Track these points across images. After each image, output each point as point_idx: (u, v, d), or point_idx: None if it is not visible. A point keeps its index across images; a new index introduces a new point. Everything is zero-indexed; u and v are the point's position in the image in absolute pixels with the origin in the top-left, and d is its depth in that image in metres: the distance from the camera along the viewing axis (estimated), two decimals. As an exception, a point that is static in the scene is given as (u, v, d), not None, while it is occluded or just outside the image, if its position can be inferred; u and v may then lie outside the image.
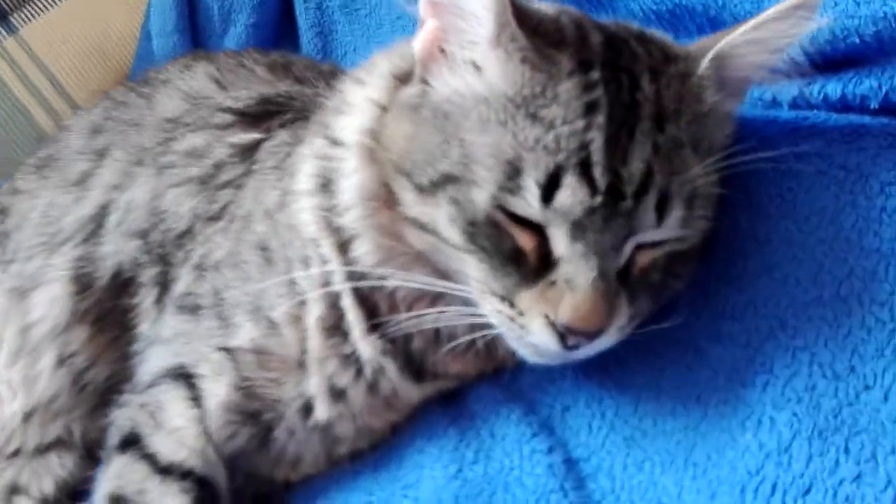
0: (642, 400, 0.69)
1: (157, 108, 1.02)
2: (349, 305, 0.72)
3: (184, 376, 0.78)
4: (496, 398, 0.75)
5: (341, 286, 0.72)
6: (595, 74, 0.62)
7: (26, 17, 1.53)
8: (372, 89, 0.73)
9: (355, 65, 0.83)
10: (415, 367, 0.75)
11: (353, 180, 0.70)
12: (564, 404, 0.73)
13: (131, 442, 0.78)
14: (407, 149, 0.66)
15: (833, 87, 0.76)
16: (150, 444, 0.77)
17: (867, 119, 0.73)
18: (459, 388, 0.79)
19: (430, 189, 0.65)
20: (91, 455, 0.93)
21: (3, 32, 1.49)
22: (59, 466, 0.94)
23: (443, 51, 0.67)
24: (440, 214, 0.64)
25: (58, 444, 0.96)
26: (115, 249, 0.92)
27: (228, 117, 0.96)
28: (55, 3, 1.54)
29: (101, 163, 1.00)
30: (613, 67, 0.64)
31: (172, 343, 0.81)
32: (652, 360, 0.70)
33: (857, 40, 0.72)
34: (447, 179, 0.64)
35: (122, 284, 0.92)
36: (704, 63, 0.66)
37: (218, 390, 0.76)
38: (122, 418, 0.81)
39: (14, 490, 0.94)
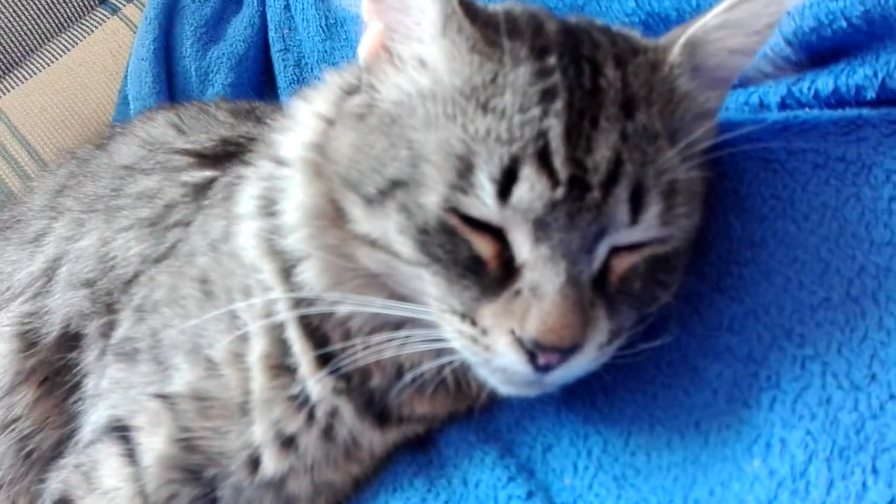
0: (633, 432, 0.60)
1: (114, 157, 0.98)
2: (295, 337, 0.64)
3: (119, 430, 0.70)
4: (469, 441, 0.66)
5: (285, 315, 0.64)
6: (551, 60, 0.56)
7: (4, 88, 1.51)
8: (318, 104, 0.67)
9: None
10: (376, 410, 0.66)
11: (297, 198, 0.63)
12: (546, 443, 0.63)
13: (61, 507, 0.69)
14: (353, 159, 0.60)
15: (824, 81, 0.70)
16: (79, 510, 0.68)
17: (864, 111, 0.67)
18: (429, 433, 0.69)
19: (379, 199, 0.58)
20: (37, 530, 0.83)
21: (-21, 105, 1.47)
22: None
23: (388, 52, 0.62)
24: (390, 226, 0.57)
25: None
26: (63, 301, 0.85)
27: (186, 159, 0.91)
28: (34, 73, 1.53)
29: (57, 217, 0.95)
30: (573, 56, 0.58)
31: (111, 395, 0.73)
32: (642, 387, 0.61)
33: (845, 24, 0.66)
34: (395, 185, 0.57)
35: (70, 340, 0.84)
36: (675, 50, 0.60)
37: (155, 444, 0.67)
38: (56, 481, 0.73)
39: None
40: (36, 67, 1.54)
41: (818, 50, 0.70)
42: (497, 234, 0.55)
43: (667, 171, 0.55)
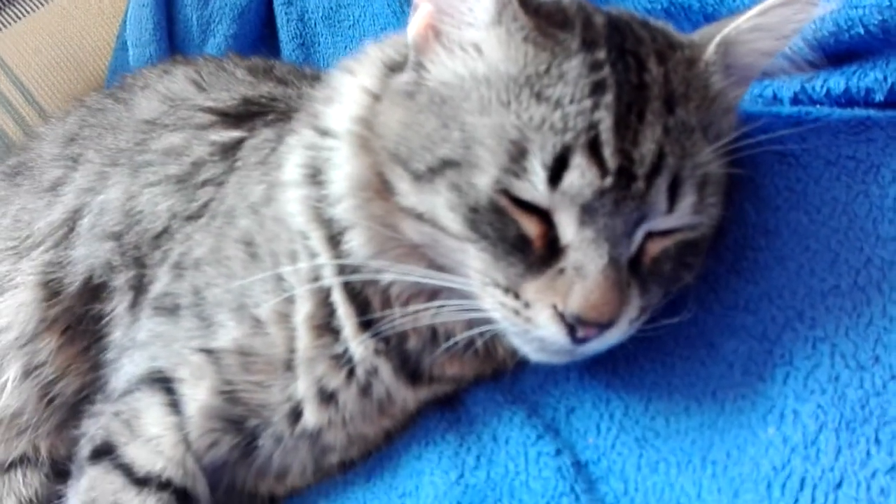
0: (653, 398, 0.65)
1: (134, 111, 0.98)
2: (340, 301, 0.68)
3: (161, 381, 0.73)
4: (496, 401, 0.71)
5: (332, 280, 0.68)
6: (601, 54, 0.60)
7: (-3, 26, 1.49)
8: (363, 78, 0.70)
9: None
10: (410, 369, 0.71)
11: (345, 169, 0.66)
12: (569, 406, 0.69)
13: (104, 452, 0.73)
14: (402, 135, 0.63)
15: (836, 81, 0.75)
16: (124, 454, 0.71)
17: (872, 112, 0.72)
18: (456, 392, 0.74)
19: (428, 176, 0.61)
20: (58, 473, 0.87)
21: (-28, 44, 1.44)
22: (24, 485, 0.88)
23: (438, 34, 0.64)
24: (439, 202, 0.61)
25: (23, 461, 0.89)
26: (87, 253, 0.87)
27: (209, 117, 0.92)
28: (26, 12, 1.50)
29: (76, 167, 0.96)
30: (619, 50, 0.61)
31: (149, 346, 0.76)
32: (662, 357, 0.67)
33: (862, 31, 0.71)
34: (446, 164, 0.60)
35: (94, 290, 0.86)
36: (711, 49, 0.64)
37: (198, 395, 0.71)
38: (94, 428, 0.76)
39: None
40: (29, 6, 1.50)
41: (834, 52, 0.74)
42: (544, 215, 0.59)
43: (701, 164, 0.60)
